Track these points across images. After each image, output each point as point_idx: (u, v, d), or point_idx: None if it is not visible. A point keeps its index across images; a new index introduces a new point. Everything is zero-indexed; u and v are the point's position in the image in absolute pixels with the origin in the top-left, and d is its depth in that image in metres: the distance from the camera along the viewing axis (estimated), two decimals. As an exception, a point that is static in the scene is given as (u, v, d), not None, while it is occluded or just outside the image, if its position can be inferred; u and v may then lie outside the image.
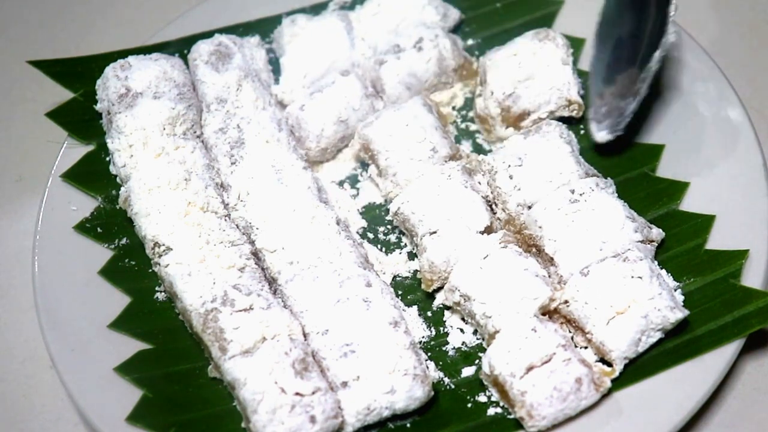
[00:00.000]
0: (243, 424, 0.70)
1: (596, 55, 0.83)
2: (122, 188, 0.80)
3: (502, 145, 0.82)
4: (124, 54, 0.85)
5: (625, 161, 0.82)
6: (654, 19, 0.79)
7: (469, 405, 0.72)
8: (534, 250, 0.76)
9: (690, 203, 0.78)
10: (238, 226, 0.78)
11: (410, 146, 0.81)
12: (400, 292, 0.78)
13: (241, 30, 0.88)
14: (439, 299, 0.77)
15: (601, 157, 0.82)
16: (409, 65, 0.85)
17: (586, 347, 0.73)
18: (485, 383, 0.72)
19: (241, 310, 0.72)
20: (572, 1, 0.90)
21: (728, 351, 0.70)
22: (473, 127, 0.87)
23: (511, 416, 0.70)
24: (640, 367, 0.71)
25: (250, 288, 0.74)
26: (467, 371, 0.74)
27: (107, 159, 0.82)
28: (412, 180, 0.80)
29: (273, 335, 0.71)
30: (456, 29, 0.90)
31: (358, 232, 0.81)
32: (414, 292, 0.78)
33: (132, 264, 0.78)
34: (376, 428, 0.71)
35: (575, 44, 0.87)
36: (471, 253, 0.75)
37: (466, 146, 0.86)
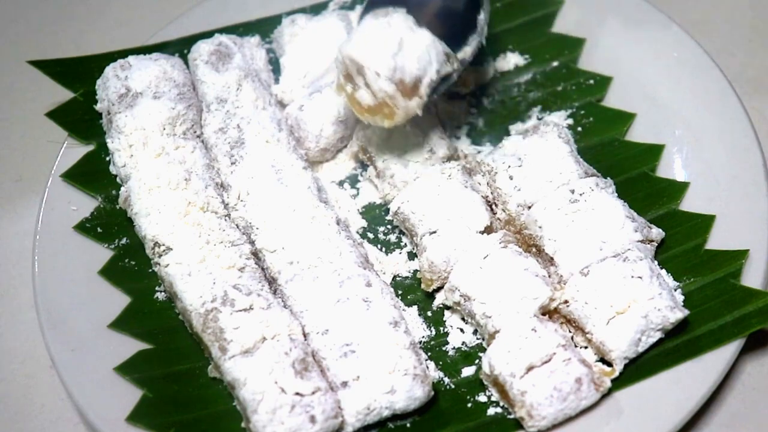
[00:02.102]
0: (243, 424, 0.71)
1: None
2: (122, 188, 0.80)
3: (500, 145, 0.82)
4: (124, 54, 0.85)
5: (624, 161, 0.82)
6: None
7: (469, 405, 0.72)
8: (534, 250, 0.77)
9: (690, 203, 0.79)
10: (238, 226, 0.78)
11: (407, 147, 0.81)
12: (400, 292, 0.78)
13: (241, 30, 0.88)
14: (439, 299, 0.77)
15: (600, 157, 0.82)
16: None
17: (586, 347, 0.73)
18: (485, 383, 0.72)
19: (241, 310, 0.72)
20: (572, 1, 0.90)
21: (728, 351, 0.70)
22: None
23: (511, 416, 0.70)
24: (641, 366, 0.71)
25: (250, 288, 0.74)
26: (467, 371, 0.74)
27: (107, 159, 0.82)
28: (409, 181, 0.80)
29: (273, 335, 0.71)
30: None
31: (358, 232, 0.82)
32: (414, 292, 0.78)
33: (132, 264, 0.78)
34: (376, 428, 0.71)
35: (576, 44, 0.87)
36: (471, 253, 0.75)
37: (464, 145, 0.86)
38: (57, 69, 0.86)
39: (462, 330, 0.76)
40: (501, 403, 0.71)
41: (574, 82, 0.88)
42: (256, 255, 0.77)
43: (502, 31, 0.91)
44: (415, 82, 0.76)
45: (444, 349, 0.75)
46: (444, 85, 0.80)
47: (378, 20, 0.78)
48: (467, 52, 0.79)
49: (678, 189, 0.79)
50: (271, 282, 0.76)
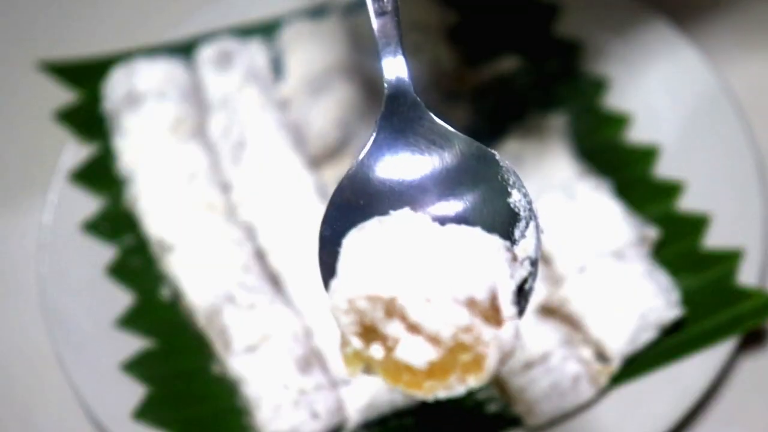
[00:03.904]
0: (247, 421, 0.71)
1: None
2: (127, 188, 0.80)
3: (498, 145, 0.83)
4: (129, 55, 0.85)
5: (622, 161, 0.83)
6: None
7: (469, 402, 0.73)
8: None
9: (687, 203, 0.79)
10: (241, 226, 0.79)
11: None
12: (401, 291, 0.78)
13: (245, 31, 0.88)
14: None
15: (598, 157, 0.83)
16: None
17: (584, 345, 0.73)
18: (485, 380, 0.72)
19: (244, 308, 0.73)
20: (571, 3, 0.90)
21: (724, 349, 0.71)
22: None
23: (512, 412, 0.71)
24: (638, 364, 0.72)
25: (253, 286, 0.74)
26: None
27: (112, 159, 0.82)
28: None
29: (276, 332, 0.72)
30: (454, 33, 0.90)
31: (359, 231, 0.82)
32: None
33: (137, 263, 0.79)
34: (377, 425, 0.72)
35: (575, 46, 0.88)
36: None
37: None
38: (62, 69, 0.86)
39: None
40: (500, 400, 0.72)
41: (573, 83, 0.88)
42: (259, 254, 0.78)
43: (502, 31, 0.91)
44: (490, 298, 0.45)
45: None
46: (525, 302, 0.47)
47: (377, 229, 0.47)
48: (528, 246, 0.47)
49: (674, 189, 0.80)
50: (275, 280, 0.77)
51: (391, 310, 0.44)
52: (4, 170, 0.89)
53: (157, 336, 0.76)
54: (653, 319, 0.71)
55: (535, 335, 0.71)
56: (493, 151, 0.48)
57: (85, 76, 0.86)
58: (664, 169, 0.81)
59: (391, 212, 0.47)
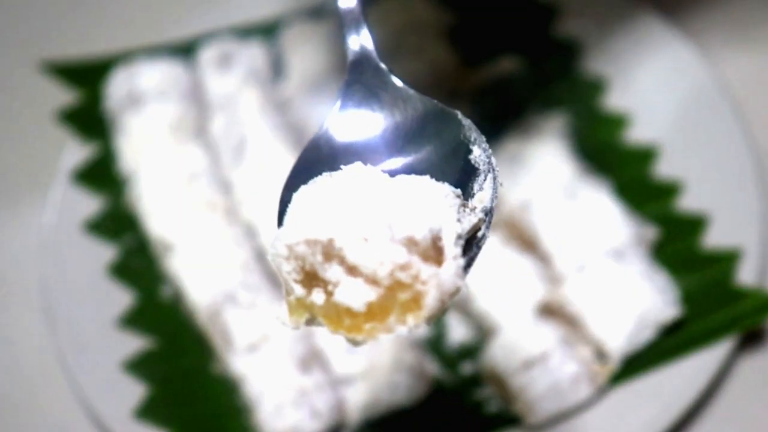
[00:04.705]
0: (248, 420, 0.72)
1: None
2: (128, 188, 0.80)
3: (497, 144, 0.83)
4: (130, 54, 0.85)
5: (621, 161, 0.83)
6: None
7: (469, 401, 0.73)
8: (531, 248, 0.77)
9: (685, 202, 0.79)
10: (241, 225, 0.79)
11: None
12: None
13: (245, 31, 0.88)
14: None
15: (597, 157, 0.83)
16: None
17: (583, 345, 0.74)
18: (484, 379, 0.73)
19: (245, 308, 0.73)
20: (571, 4, 0.90)
21: (723, 349, 0.71)
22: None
23: (511, 412, 0.72)
24: (637, 364, 0.72)
25: (254, 286, 0.75)
26: (467, 368, 0.75)
27: (113, 159, 0.82)
28: None
29: (277, 332, 0.72)
30: (453, 34, 0.91)
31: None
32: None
33: (138, 262, 0.79)
34: (377, 425, 0.72)
35: (574, 46, 0.88)
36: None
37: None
38: (63, 69, 0.86)
39: (461, 327, 0.77)
40: (500, 399, 0.72)
41: (571, 83, 0.88)
42: (260, 253, 0.78)
43: (501, 32, 0.91)
44: (432, 238, 0.44)
45: (444, 345, 0.76)
46: (477, 249, 0.47)
47: (325, 182, 0.47)
48: (485, 197, 0.47)
49: (673, 189, 0.80)
50: (275, 280, 0.77)
51: (330, 252, 0.43)
52: (5, 170, 0.89)
53: (158, 335, 0.76)
54: (652, 318, 0.71)
55: (535, 335, 0.71)
56: (455, 110, 0.48)
57: (86, 77, 0.86)
58: (663, 169, 0.82)
59: (342, 167, 0.47)
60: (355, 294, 0.43)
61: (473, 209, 0.46)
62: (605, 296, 0.72)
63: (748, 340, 0.75)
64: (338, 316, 0.43)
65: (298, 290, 0.44)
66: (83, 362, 0.74)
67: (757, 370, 0.74)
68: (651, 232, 0.77)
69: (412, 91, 0.50)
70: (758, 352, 0.75)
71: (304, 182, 0.47)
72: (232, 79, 0.84)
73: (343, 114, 0.49)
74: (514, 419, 0.71)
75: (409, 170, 0.47)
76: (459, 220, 0.45)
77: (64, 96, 0.86)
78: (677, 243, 0.78)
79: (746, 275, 0.74)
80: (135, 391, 0.73)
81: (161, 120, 0.81)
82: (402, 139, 0.49)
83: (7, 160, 0.89)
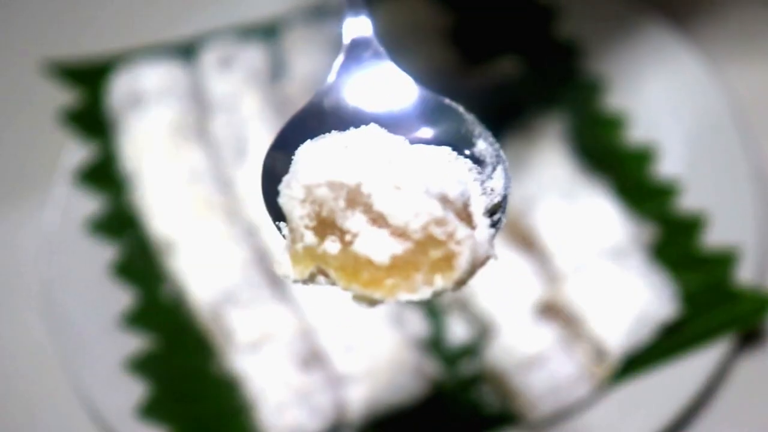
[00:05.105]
0: (249, 419, 0.72)
1: None
2: (130, 188, 0.81)
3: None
4: (130, 54, 0.85)
5: (620, 161, 0.83)
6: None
7: (469, 401, 0.73)
8: (530, 247, 0.78)
9: (684, 203, 0.80)
10: (242, 225, 0.79)
11: None
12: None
13: (246, 31, 0.88)
14: (440, 297, 0.77)
15: (596, 157, 0.83)
16: None
17: (582, 343, 0.74)
18: (484, 379, 0.74)
19: (246, 307, 0.73)
20: (570, 4, 0.90)
21: (722, 348, 0.71)
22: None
23: (511, 411, 0.72)
24: (635, 363, 0.72)
25: (255, 285, 0.75)
26: (467, 367, 0.75)
27: (114, 159, 0.82)
28: None
29: (278, 331, 0.72)
30: (453, 34, 0.91)
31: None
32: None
33: (139, 262, 0.79)
34: (377, 424, 0.72)
35: (573, 46, 0.88)
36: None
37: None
38: (63, 69, 0.86)
39: (462, 326, 0.77)
40: (500, 398, 0.73)
41: (572, 84, 0.88)
42: (261, 253, 0.78)
43: (501, 32, 0.91)
44: (463, 203, 0.41)
45: (444, 345, 0.77)
46: (495, 230, 0.43)
47: (336, 138, 0.43)
48: (497, 186, 0.44)
49: (672, 189, 0.80)
50: (276, 279, 0.77)
51: (354, 199, 0.39)
52: (6, 170, 0.89)
53: (160, 335, 0.76)
54: (650, 316, 0.72)
55: (534, 334, 0.72)
56: (456, 104, 0.47)
57: (87, 77, 0.86)
58: (662, 169, 0.82)
59: (352, 128, 0.43)
60: (379, 245, 0.38)
61: (492, 190, 0.43)
62: (604, 295, 0.72)
63: (747, 340, 0.75)
64: (355, 269, 0.38)
65: (309, 238, 0.39)
66: (85, 361, 0.74)
67: (756, 369, 0.75)
68: (650, 232, 0.77)
69: (413, 81, 0.47)
70: (757, 352, 0.75)
71: (300, 138, 0.43)
72: (233, 79, 0.84)
73: (338, 89, 0.47)
74: (513, 418, 0.72)
75: (423, 139, 0.45)
76: (483, 193, 0.43)
77: (64, 96, 0.86)
78: (676, 243, 0.78)
79: (745, 275, 0.74)
80: (136, 390, 0.73)
81: (162, 120, 0.81)
82: (405, 122, 0.45)
83: (8, 160, 0.89)
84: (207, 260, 0.76)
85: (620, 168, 0.83)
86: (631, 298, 0.72)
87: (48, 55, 0.87)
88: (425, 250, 0.38)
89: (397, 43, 0.85)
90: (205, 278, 0.75)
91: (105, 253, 0.79)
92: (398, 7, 0.89)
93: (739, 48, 0.92)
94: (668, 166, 0.82)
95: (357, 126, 0.44)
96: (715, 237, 0.77)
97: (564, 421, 0.71)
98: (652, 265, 0.75)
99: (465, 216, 0.41)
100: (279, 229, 0.42)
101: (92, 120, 0.84)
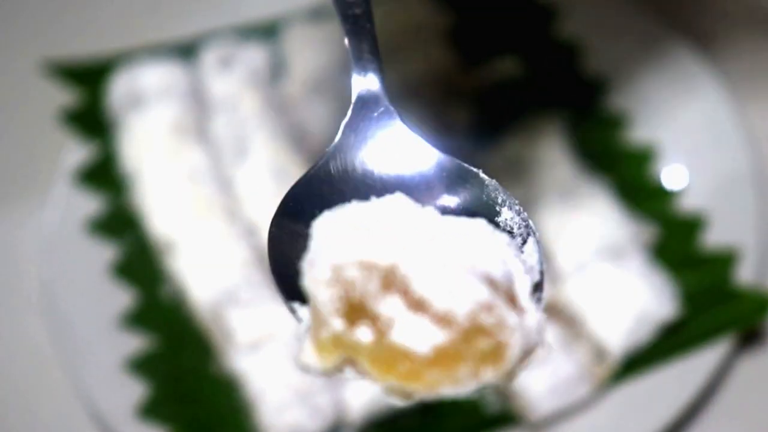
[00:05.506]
0: (249, 419, 0.72)
1: None
2: (130, 188, 0.81)
3: (497, 144, 0.83)
4: (130, 54, 0.85)
5: (620, 161, 0.83)
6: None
7: (469, 400, 0.73)
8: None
9: (684, 203, 0.80)
10: (242, 225, 0.79)
11: None
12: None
13: (246, 31, 0.88)
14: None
15: (596, 157, 0.84)
16: None
17: (582, 344, 0.74)
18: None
19: (247, 307, 0.73)
20: (570, 5, 0.91)
21: (722, 348, 0.71)
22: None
23: (511, 411, 0.72)
24: (635, 363, 0.72)
25: (255, 285, 0.75)
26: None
27: (114, 159, 0.82)
28: None
29: (278, 331, 0.72)
30: (453, 34, 0.91)
31: (360, 230, 0.82)
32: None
33: (139, 262, 0.79)
34: (377, 424, 0.72)
35: (573, 46, 0.88)
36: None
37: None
38: (63, 69, 0.86)
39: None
40: (501, 398, 0.73)
41: (572, 84, 0.88)
42: (261, 252, 0.78)
43: (501, 32, 0.91)
44: (508, 284, 0.37)
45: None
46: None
47: (360, 209, 0.40)
48: (531, 259, 0.39)
49: (672, 189, 0.80)
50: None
51: (390, 281, 0.35)
52: (6, 170, 0.89)
53: (160, 334, 0.76)
54: (650, 316, 0.72)
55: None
56: (475, 169, 0.42)
57: (87, 77, 0.86)
58: (663, 169, 0.82)
59: (373, 198, 0.39)
60: (420, 334, 0.34)
61: (531, 267, 0.38)
62: (604, 295, 0.72)
63: (747, 340, 0.75)
64: (390, 361, 0.34)
65: (337, 324, 0.35)
66: (85, 361, 0.74)
67: (756, 369, 0.75)
68: (650, 232, 0.77)
69: (427, 143, 0.42)
70: (757, 352, 0.75)
71: (309, 209, 0.40)
72: (233, 79, 0.84)
73: (349, 150, 0.43)
74: (513, 418, 0.72)
75: (454, 209, 0.40)
76: (526, 272, 0.38)
77: (64, 96, 0.86)
78: (676, 243, 0.78)
79: (745, 275, 0.74)
80: (136, 390, 0.73)
81: (162, 120, 0.81)
82: (426, 190, 0.41)
83: (8, 160, 0.89)
84: (207, 260, 0.76)
85: (620, 168, 0.83)
86: (631, 298, 0.72)
87: (48, 55, 0.87)
88: (472, 339, 0.34)
89: (397, 43, 0.86)
90: (205, 278, 0.75)
91: (105, 253, 0.79)
92: (397, 7, 0.89)
93: (738, 43, 0.92)
94: (669, 165, 0.82)
95: (377, 193, 0.40)
96: (715, 237, 0.77)
97: (564, 421, 0.71)
98: (652, 266, 0.75)
99: (510, 300, 0.36)
100: (292, 311, 0.38)
101: (92, 120, 0.84)
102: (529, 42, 0.89)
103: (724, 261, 0.75)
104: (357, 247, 0.36)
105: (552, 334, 0.72)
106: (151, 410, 0.72)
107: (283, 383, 0.70)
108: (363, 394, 0.71)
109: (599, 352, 0.72)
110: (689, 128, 0.83)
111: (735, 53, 0.92)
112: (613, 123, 0.85)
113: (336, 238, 0.36)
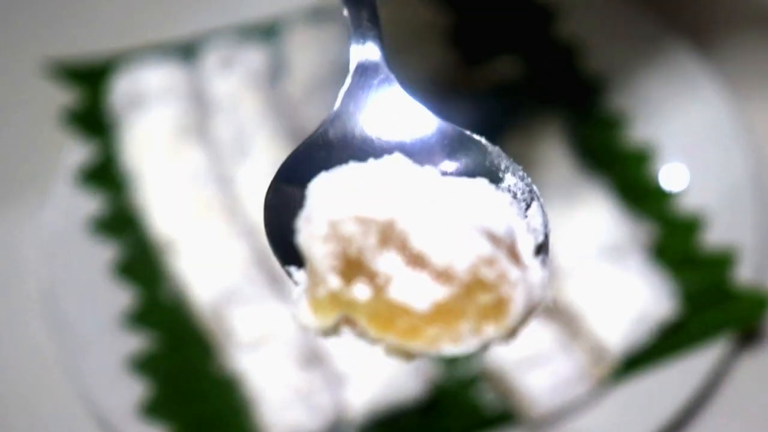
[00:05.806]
0: (249, 418, 0.72)
1: None
2: (130, 188, 0.81)
3: (497, 144, 0.83)
4: (131, 54, 0.85)
5: (618, 160, 0.83)
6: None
7: (469, 400, 0.74)
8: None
9: (683, 202, 0.80)
10: (243, 224, 0.80)
11: None
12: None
13: (246, 31, 0.88)
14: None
15: (595, 156, 0.84)
16: None
17: (581, 343, 0.74)
18: (485, 378, 0.74)
19: (247, 306, 0.73)
20: (570, 5, 0.91)
21: (721, 348, 0.72)
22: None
23: (511, 410, 0.72)
24: (635, 363, 0.72)
25: (256, 284, 0.75)
26: (467, 366, 0.75)
27: (115, 159, 0.83)
28: None
29: (279, 330, 0.73)
30: (453, 34, 0.91)
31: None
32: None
33: (140, 261, 0.80)
34: (377, 424, 0.72)
35: (572, 46, 0.88)
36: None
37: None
38: (63, 69, 0.86)
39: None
40: (501, 397, 0.73)
41: (571, 84, 0.88)
42: (261, 252, 0.78)
43: (501, 32, 0.91)
44: (510, 241, 0.37)
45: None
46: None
47: (357, 168, 0.39)
48: (536, 222, 0.39)
49: (672, 188, 0.80)
50: (277, 278, 0.78)
51: (388, 236, 0.34)
52: (6, 170, 0.89)
53: (161, 334, 0.76)
54: (649, 315, 0.72)
55: (533, 333, 0.72)
56: (477, 136, 0.42)
57: (87, 77, 0.86)
58: (662, 169, 0.82)
59: (371, 160, 0.39)
60: (419, 290, 0.34)
61: (534, 229, 0.38)
62: (603, 295, 0.72)
63: (747, 340, 0.75)
64: (389, 318, 0.34)
65: (334, 281, 0.34)
66: (85, 361, 0.74)
67: (756, 369, 0.75)
68: (649, 232, 0.78)
69: (429, 111, 0.42)
70: (757, 352, 0.75)
71: (308, 174, 0.39)
72: (233, 80, 0.84)
73: (348, 117, 0.43)
74: (513, 418, 0.72)
75: (454, 171, 0.40)
76: (528, 231, 0.38)
77: (65, 96, 0.86)
78: (676, 243, 0.78)
79: (744, 275, 0.74)
80: (137, 389, 0.73)
81: (163, 120, 0.81)
82: (426, 154, 0.40)
83: (8, 160, 0.89)
84: (208, 260, 0.76)
85: (620, 168, 0.83)
86: (630, 297, 0.72)
87: (48, 55, 0.87)
88: (473, 294, 0.34)
89: (397, 42, 0.86)
90: (206, 278, 0.75)
91: (106, 252, 0.79)
92: (398, 7, 0.89)
93: (739, 43, 0.93)
94: (669, 165, 0.82)
95: (376, 155, 0.39)
96: (714, 237, 0.77)
97: (564, 420, 0.71)
98: (652, 265, 0.75)
99: (513, 256, 0.35)
100: (289, 273, 0.38)
101: (93, 120, 0.84)
102: (529, 42, 0.89)
103: (723, 261, 0.75)
104: (354, 202, 0.35)
105: (551, 334, 0.72)
106: (152, 409, 0.72)
107: (284, 382, 0.70)
108: (363, 394, 0.71)
109: (599, 352, 0.72)
110: (689, 128, 0.83)
111: (735, 53, 0.92)
112: (613, 123, 0.85)
113: (333, 196, 0.36)
